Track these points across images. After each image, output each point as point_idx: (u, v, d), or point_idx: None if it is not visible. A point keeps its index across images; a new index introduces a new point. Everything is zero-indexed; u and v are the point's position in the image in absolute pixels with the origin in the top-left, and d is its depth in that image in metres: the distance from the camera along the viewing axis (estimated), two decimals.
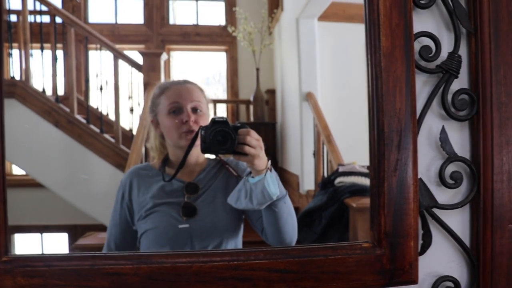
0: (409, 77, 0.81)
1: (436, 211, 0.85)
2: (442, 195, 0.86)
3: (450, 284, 0.86)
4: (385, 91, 0.80)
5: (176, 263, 0.78)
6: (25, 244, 1.69)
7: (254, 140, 0.99)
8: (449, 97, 0.85)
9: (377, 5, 0.80)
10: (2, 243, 0.78)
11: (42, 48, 3.25)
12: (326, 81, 3.27)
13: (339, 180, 2.28)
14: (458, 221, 0.88)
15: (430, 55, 0.84)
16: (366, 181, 2.23)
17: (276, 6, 4.06)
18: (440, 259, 0.88)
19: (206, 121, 1.15)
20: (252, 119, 4.32)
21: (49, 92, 3.42)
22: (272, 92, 4.49)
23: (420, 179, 0.84)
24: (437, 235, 0.86)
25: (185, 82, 1.20)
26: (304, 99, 3.22)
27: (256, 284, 0.78)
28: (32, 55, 3.12)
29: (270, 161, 1.04)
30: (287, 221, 1.07)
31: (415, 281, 0.82)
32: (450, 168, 0.85)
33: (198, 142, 1.07)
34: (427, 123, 0.86)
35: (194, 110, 1.15)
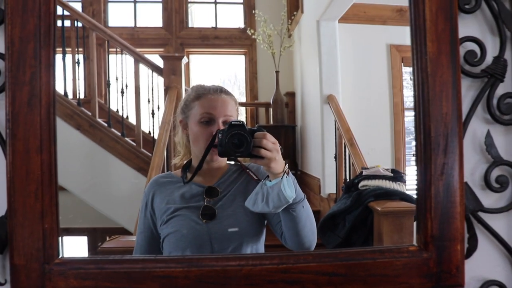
0: (455, 82, 0.81)
1: (482, 214, 0.85)
2: (488, 199, 0.87)
3: None
4: (431, 96, 0.81)
5: (226, 266, 0.79)
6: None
7: (270, 143, 1.00)
8: (494, 101, 0.86)
9: (423, 10, 0.81)
10: (55, 245, 0.80)
11: (64, 52, 3.31)
12: (347, 83, 3.27)
13: (363, 183, 2.27)
14: (504, 225, 0.88)
15: (475, 60, 0.85)
16: (390, 185, 2.22)
17: (296, 9, 4.08)
18: (486, 263, 0.88)
19: None
20: (271, 122, 4.34)
21: (70, 96, 3.47)
22: (291, 95, 4.51)
23: (466, 183, 0.84)
24: (482, 239, 0.86)
25: (221, 91, 1.20)
26: (325, 101, 3.23)
27: (305, 287, 0.79)
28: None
29: (287, 164, 1.04)
30: (305, 225, 1.08)
31: (461, 285, 0.82)
32: (496, 172, 0.86)
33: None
34: (471, 127, 0.86)
35: (225, 123, 1.16)
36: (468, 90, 0.87)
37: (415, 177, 0.85)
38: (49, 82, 0.78)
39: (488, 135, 0.86)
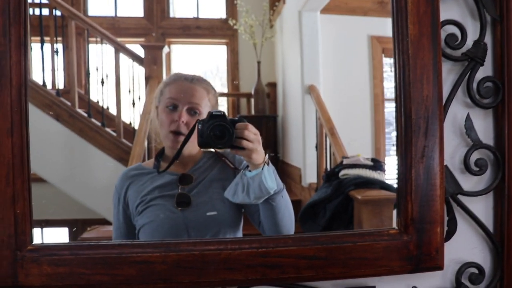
0: (436, 64, 0.81)
1: (461, 198, 0.86)
2: (467, 182, 0.87)
3: (474, 270, 0.87)
4: (412, 78, 0.80)
5: (205, 250, 0.78)
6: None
7: (252, 134, 0.98)
8: (474, 85, 0.86)
9: None
10: (28, 231, 0.78)
11: (42, 41, 3.23)
12: (328, 74, 3.26)
13: (343, 172, 2.27)
14: (483, 208, 0.88)
15: (456, 43, 0.84)
16: (371, 174, 2.22)
17: None
18: (465, 245, 0.89)
19: None
20: (253, 112, 4.30)
21: (49, 86, 3.39)
22: (273, 85, 4.47)
23: (446, 166, 0.84)
24: (461, 222, 0.87)
25: (193, 79, 1.18)
26: (306, 92, 3.21)
27: (285, 271, 0.78)
28: (31, 48, 3.08)
29: (267, 155, 1.03)
30: (284, 215, 1.07)
31: (441, 267, 0.83)
32: (475, 155, 0.86)
33: (194, 136, 1.06)
34: (452, 111, 0.86)
35: (191, 111, 1.14)
36: (448, 74, 0.87)
37: (395, 167, 0.85)
38: (20, 62, 0.75)
39: (468, 119, 0.86)
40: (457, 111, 0.87)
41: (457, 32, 0.84)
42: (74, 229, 1.98)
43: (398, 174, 0.83)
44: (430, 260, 0.82)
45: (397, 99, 0.82)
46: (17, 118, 0.75)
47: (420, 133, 0.80)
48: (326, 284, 0.84)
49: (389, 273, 0.82)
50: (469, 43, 0.85)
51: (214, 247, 0.78)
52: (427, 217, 0.81)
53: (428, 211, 0.81)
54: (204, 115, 1.15)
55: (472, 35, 0.86)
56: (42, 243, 0.79)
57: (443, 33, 0.84)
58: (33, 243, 0.79)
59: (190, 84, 1.17)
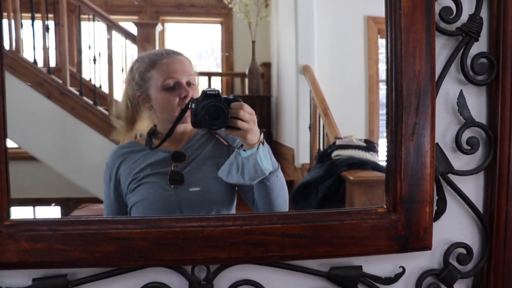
0: (429, 38, 0.78)
1: (452, 177, 0.84)
2: (458, 161, 0.85)
3: (463, 250, 0.86)
4: (404, 52, 0.78)
5: (187, 227, 0.76)
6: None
7: (248, 114, 0.96)
8: (468, 61, 0.83)
9: None
10: (5, 206, 0.75)
11: (33, 18, 3.17)
12: (323, 54, 3.23)
13: (336, 153, 2.26)
14: (473, 188, 0.87)
15: (450, 17, 0.81)
16: (363, 155, 2.21)
17: None
18: (454, 225, 0.87)
19: (197, 93, 1.12)
20: (247, 92, 4.28)
21: (40, 64, 3.34)
22: (267, 66, 4.43)
23: (437, 144, 0.82)
24: (451, 201, 0.85)
25: (174, 53, 1.15)
26: (300, 72, 3.18)
27: (269, 250, 0.77)
28: (22, 25, 3.02)
29: (262, 134, 1.01)
30: (278, 194, 1.05)
31: (429, 247, 0.81)
32: (467, 134, 0.84)
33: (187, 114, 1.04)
34: (444, 87, 0.84)
35: (189, 84, 1.12)
36: (442, 49, 0.84)
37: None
38: None
39: (461, 96, 0.83)
40: (450, 88, 0.85)
41: (452, 5, 0.81)
42: (53, 204, 1.96)
43: (388, 151, 0.81)
44: (418, 240, 0.80)
45: (388, 74, 0.79)
46: None
47: (411, 110, 0.78)
48: (311, 263, 0.82)
49: (376, 252, 0.80)
50: (464, 17, 0.82)
51: (197, 223, 0.76)
52: (416, 196, 0.79)
53: (418, 190, 0.79)
54: (196, 86, 1.13)
55: (468, 9, 0.83)
56: (20, 219, 0.77)
57: (437, 6, 0.81)
58: (11, 218, 0.76)
59: (177, 58, 1.14)
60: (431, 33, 0.78)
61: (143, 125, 1.21)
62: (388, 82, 0.80)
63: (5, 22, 2.62)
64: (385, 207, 0.81)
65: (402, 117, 0.78)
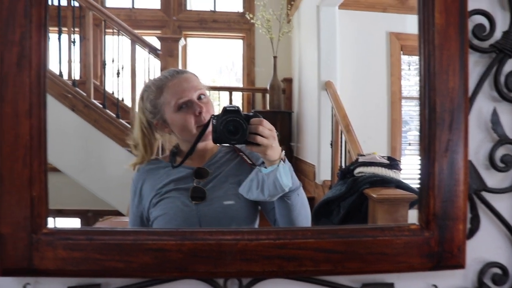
0: (462, 55, 0.79)
1: (485, 194, 0.83)
2: (491, 179, 0.84)
3: (498, 270, 0.84)
4: (438, 69, 0.78)
5: (221, 240, 0.77)
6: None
7: (267, 130, 0.96)
8: (502, 78, 0.83)
9: None
10: (43, 214, 0.77)
11: (59, 32, 3.24)
12: (345, 70, 3.24)
13: (358, 170, 2.25)
14: (507, 206, 0.85)
15: (483, 34, 0.82)
16: (386, 172, 2.20)
17: None
18: (488, 244, 0.85)
19: (212, 107, 1.14)
20: (268, 107, 4.30)
21: (65, 77, 3.41)
22: (289, 81, 4.47)
23: (470, 161, 0.82)
24: (485, 219, 0.84)
25: (179, 73, 1.16)
26: (322, 88, 3.19)
27: (302, 264, 0.77)
28: (49, 38, 3.09)
29: (284, 151, 1.01)
30: (300, 213, 1.05)
31: (462, 266, 0.80)
32: (501, 151, 0.83)
33: (209, 130, 1.05)
34: (477, 104, 0.84)
35: (200, 98, 1.13)
36: (475, 66, 0.84)
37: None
38: (39, 43, 0.74)
39: (495, 113, 0.83)
40: (483, 105, 0.84)
41: (486, 23, 0.82)
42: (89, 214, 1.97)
43: (421, 168, 0.81)
44: (451, 258, 0.79)
45: (421, 90, 0.80)
46: (35, 100, 0.74)
47: (445, 126, 0.78)
48: (343, 279, 0.82)
49: (408, 269, 0.80)
50: (498, 34, 0.82)
51: (231, 237, 0.77)
52: (450, 213, 0.79)
53: (451, 207, 0.79)
54: (209, 98, 1.14)
55: (501, 25, 0.83)
56: (57, 227, 0.78)
57: (470, 24, 0.81)
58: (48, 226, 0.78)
59: (182, 77, 1.15)
60: (464, 50, 0.79)
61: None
62: (422, 99, 0.80)
63: None
64: (417, 224, 0.81)
65: (436, 134, 0.78)
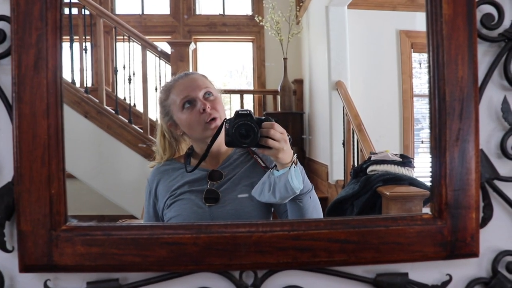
0: (471, 45, 0.79)
1: (497, 183, 0.83)
2: (504, 167, 0.84)
3: None
4: (446, 59, 0.79)
5: (236, 232, 0.78)
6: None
7: (278, 133, 0.98)
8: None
9: None
10: (62, 211, 0.79)
11: (71, 40, 3.29)
12: (356, 69, 3.23)
13: (371, 168, 2.24)
14: None
15: (492, 23, 0.82)
16: (399, 170, 2.19)
17: None
18: (501, 233, 0.86)
19: (220, 105, 1.16)
20: (279, 109, 4.31)
21: (78, 84, 3.45)
22: (299, 82, 4.47)
23: (481, 150, 0.82)
24: (497, 208, 0.84)
25: (187, 74, 1.19)
26: (333, 88, 3.19)
27: (316, 255, 0.78)
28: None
29: (295, 154, 1.02)
30: (312, 215, 1.06)
31: (476, 254, 0.81)
32: None
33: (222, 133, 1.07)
34: (487, 94, 0.84)
35: (206, 96, 1.14)
36: (484, 55, 0.84)
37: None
38: (55, 45, 0.76)
39: (505, 101, 0.84)
40: (493, 94, 0.85)
41: (494, 12, 0.82)
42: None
43: (432, 157, 0.81)
44: (465, 247, 0.80)
45: (431, 81, 0.80)
46: (52, 100, 0.76)
47: (455, 116, 0.79)
48: (357, 269, 0.83)
49: (422, 259, 0.80)
50: (507, 23, 0.83)
51: (246, 229, 0.78)
52: (462, 202, 0.79)
53: (463, 196, 0.79)
54: (218, 97, 1.16)
55: (510, 14, 0.83)
56: (76, 224, 0.80)
57: (478, 13, 0.82)
58: (67, 223, 0.80)
59: (188, 77, 1.18)
60: (472, 40, 0.79)
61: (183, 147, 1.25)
62: (431, 89, 0.81)
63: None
64: (430, 213, 0.81)
65: (446, 123, 0.79)
